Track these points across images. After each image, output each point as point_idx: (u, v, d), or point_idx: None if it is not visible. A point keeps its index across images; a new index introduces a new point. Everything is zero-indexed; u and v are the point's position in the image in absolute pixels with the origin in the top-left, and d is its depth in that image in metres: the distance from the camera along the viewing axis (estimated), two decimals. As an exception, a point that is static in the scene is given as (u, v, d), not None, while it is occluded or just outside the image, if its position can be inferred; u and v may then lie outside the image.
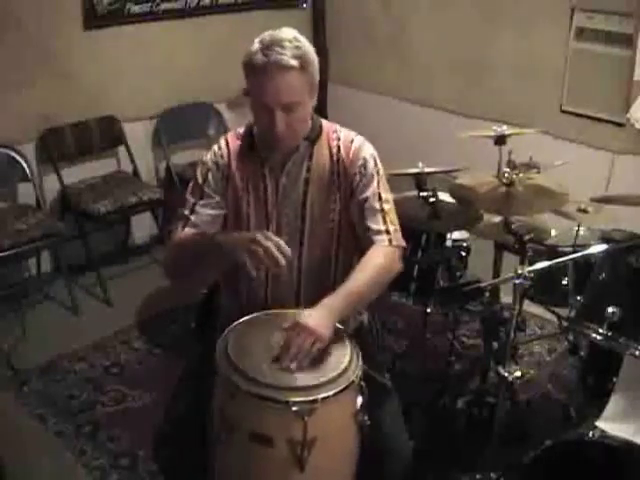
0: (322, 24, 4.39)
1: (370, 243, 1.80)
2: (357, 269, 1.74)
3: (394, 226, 1.82)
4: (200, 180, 1.86)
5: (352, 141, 1.86)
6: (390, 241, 1.80)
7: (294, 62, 1.66)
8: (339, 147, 1.85)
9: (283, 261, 1.59)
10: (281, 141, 1.74)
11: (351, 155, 1.83)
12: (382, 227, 1.80)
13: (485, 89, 3.73)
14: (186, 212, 1.85)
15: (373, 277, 1.73)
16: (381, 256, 1.77)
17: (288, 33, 1.70)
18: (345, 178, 1.84)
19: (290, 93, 1.68)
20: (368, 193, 1.82)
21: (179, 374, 1.96)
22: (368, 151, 1.85)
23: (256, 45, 1.68)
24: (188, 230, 1.83)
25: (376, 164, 1.84)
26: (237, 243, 1.64)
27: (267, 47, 1.65)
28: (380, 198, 1.82)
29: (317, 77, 1.75)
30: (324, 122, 1.89)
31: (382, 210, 1.82)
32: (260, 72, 1.66)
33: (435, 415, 2.52)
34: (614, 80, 3.18)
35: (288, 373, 1.55)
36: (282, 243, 1.60)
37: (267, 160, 1.84)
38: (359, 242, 1.87)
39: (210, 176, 1.85)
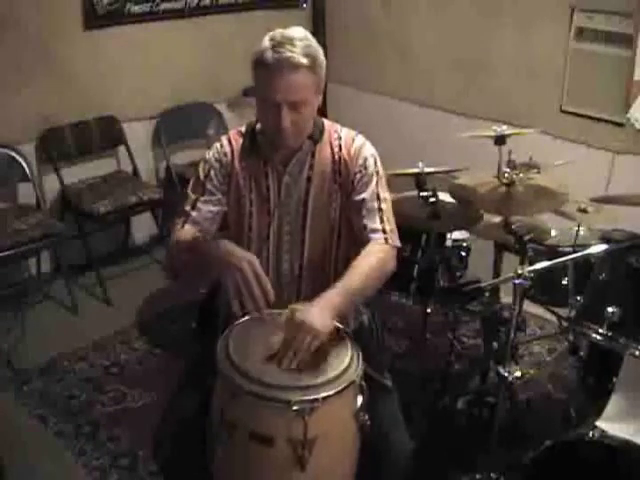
0: (322, 24, 4.38)
1: (366, 241, 1.81)
2: (353, 266, 1.74)
3: (390, 226, 1.84)
4: (202, 176, 1.87)
5: (353, 140, 1.88)
6: (386, 240, 1.82)
7: (304, 60, 1.67)
8: (340, 146, 1.86)
9: (262, 304, 1.60)
10: (286, 138, 1.75)
11: (352, 153, 1.85)
12: (379, 226, 1.82)
13: (485, 89, 3.73)
14: (187, 208, 1.86)
15: (369, 275, 1.74)
16: (377, 254, 1.79)
17: (299, 32, 1.72)
18: (346, 176, 1.85)
19: (298, 91, 1.69)
20: (367, 193, 1.84)
21: (179, 374, 1.96)
22: (369, 151, 1.87)
23: (266, 42, 1.69)
24: (188, 227, 1.83)
25: (376, 164, 1.87)
26: (225, 264, 1.61)
27: (278, 44, 1.67)
28: (378, 198, 1.84)
29: (324, 77, 1.76)
30: (326, 122, 1.90)
31: (380, 209, 1.84)
32: (270, 69, 1.67)
33: (435, 415, 2.52)
34: (614, 80, 3.17)
35: (288, 372, 1.55)
36: (266, 284, 1.61)
37: (270, 159, 1.85)
38: (358, 238, 1.88)
39: (212, 173, 1.86)
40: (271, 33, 1.71)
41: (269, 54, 1.66)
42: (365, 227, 1.83)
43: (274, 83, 1.67)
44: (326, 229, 1.88)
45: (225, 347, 1.62)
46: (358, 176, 1.84)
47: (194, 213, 1.85)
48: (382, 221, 1.83)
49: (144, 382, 2.88)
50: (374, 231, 1.82)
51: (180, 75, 3.91)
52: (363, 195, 1.83)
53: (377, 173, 1.86)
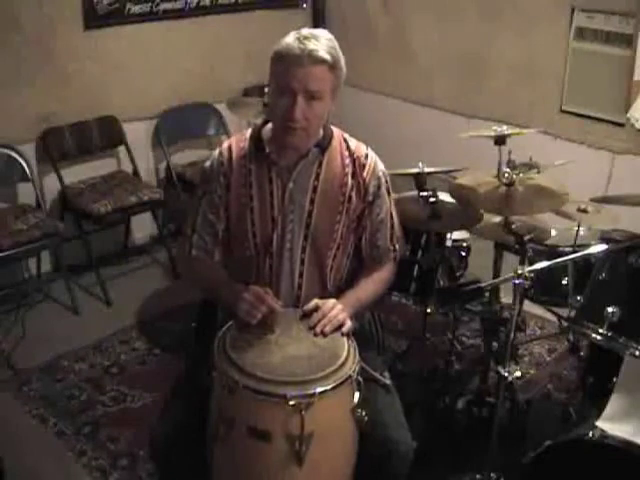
0: (322, 24, 4.39)
1: (378, 257, 1.97)
2: (366, 279, 1.93)
3: (399, 241, 1.99)
4: (200, 193, 1.91)
5: (366, 156, 1.91)
6: (395, 258, 1.99)
7: (327, 57, 1.71)
8: (354, 160, 1.89)
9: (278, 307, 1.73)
10: (296, 132, 1.75)
11: (366, 173, 1.89)
12: (390, 245, 1.97)
13: (485, 89, 3.73)
14: (188, 231, 1.93)
15: (378, 290, 1.95)
16: (387, 271, 1.98)
17: (325, 33, 1.78)
18: (358, 194, 1.89)
19: (316, 82, 1.72)
20: (384, 213, 1.94)
21: (179, 374, 1.96)
22: (381, 168, 1.93)
23: (291, 37, 1.73)
24: (195, 253, 1.92)
25: (387, 181, 1.94)
26: (237, 300, 1.74)
27: (304, 38, 1.71)
28: (392, 216, 1.96)
29: (341, 83, 1.79)
30: (334, 130, 1.91)
31: (392, 227, 1.96)
32: (293, 59, 1.70)
33: (435, 415, 2.52)
34: (614, 80, 3.18)
35: (285, 367, 1.56)
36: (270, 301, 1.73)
37: (275, 164, 1.85)
38: (365, 252, 1.98)
39: (209, 188, 1.89)
40: (297, 30, 1.75)
41: (295, 45, 1.70)
42: (379, 247, 1.96)
43: (293, 71, 1.70)
44: (327, 239, 1.88)
45: (222, 343, 1.63)
46: (371, 198, 1.90)
47: (195, 237, 1.91)
48: (392, 239, 1.97)
49: (144, 382, 2.88)
50: (387, 250, 1.97)
51: (180, 75, 3.91)
52: (381, 216, 1.93)
53: (388, 191, 1.94)
